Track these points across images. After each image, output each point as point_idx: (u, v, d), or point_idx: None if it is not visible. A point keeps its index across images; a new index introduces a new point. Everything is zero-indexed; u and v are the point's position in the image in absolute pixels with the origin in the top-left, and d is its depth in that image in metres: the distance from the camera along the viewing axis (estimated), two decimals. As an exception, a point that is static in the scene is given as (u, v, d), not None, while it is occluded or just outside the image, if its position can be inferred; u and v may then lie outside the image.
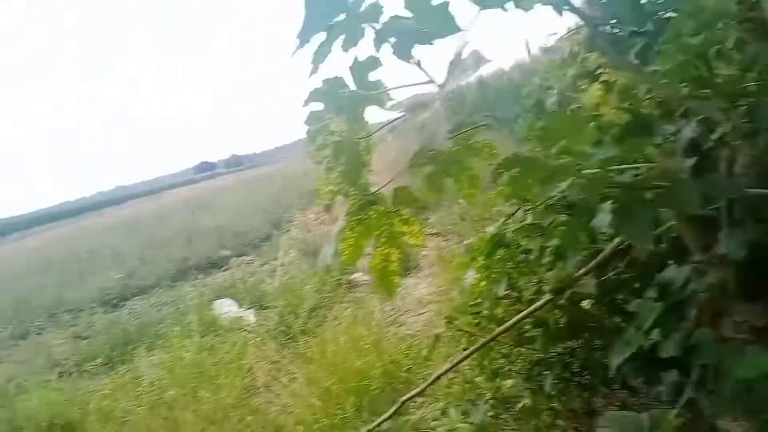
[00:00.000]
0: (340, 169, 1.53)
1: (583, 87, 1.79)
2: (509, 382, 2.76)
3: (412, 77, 1.15)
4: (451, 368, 2.23)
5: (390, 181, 1.58)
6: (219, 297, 8.16)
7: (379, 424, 2.30)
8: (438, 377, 2.18)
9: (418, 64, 1.15)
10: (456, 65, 1.05)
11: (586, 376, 2.32)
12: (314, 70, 1.26)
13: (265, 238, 13.12)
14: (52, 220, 56.31)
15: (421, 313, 6.58)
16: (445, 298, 6.68)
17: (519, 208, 2.32)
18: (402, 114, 1.23)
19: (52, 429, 4.51)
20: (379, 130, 1.61)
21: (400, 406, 2.12)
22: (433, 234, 10.04)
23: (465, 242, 7.84)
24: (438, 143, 1.00)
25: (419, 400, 3.87)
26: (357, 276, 8.51)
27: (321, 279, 7.43)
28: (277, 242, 12.89)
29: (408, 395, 2.17)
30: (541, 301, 1.91)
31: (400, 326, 5.95)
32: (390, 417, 2.19)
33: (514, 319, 2.01)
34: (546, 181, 1.13)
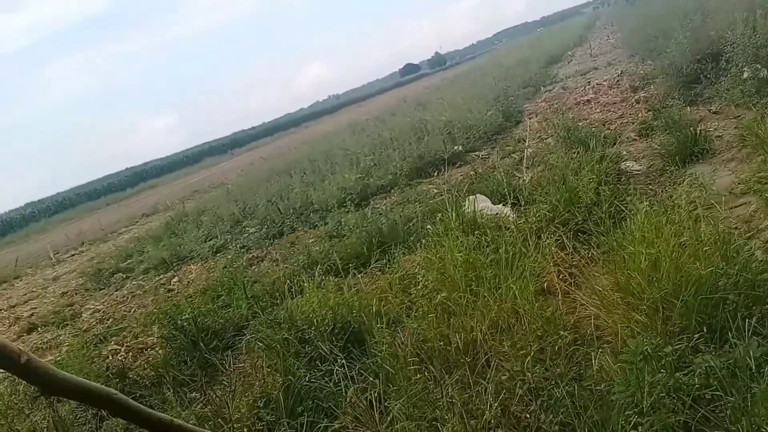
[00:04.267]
0: None
1: None
2: None
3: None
4: None
5: None
6: (466, 193, 7.46)
7: None
8: None
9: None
10: None
11: None
12: None
13: (498, 130, 12.15)
14: (275, 132, 61.32)
15: (734, 207, 5.23)
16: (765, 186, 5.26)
17: None
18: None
19: (335, 333, 4.23)
20: None
21: None
22: (713, 113, 8.29)
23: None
24: None
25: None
26: (629, 165, 7.24)
27: (593, 170, 6.31)
28: (511, 134, 11.89)
29: None
30: None
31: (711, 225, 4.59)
32: None
33: None
34: None
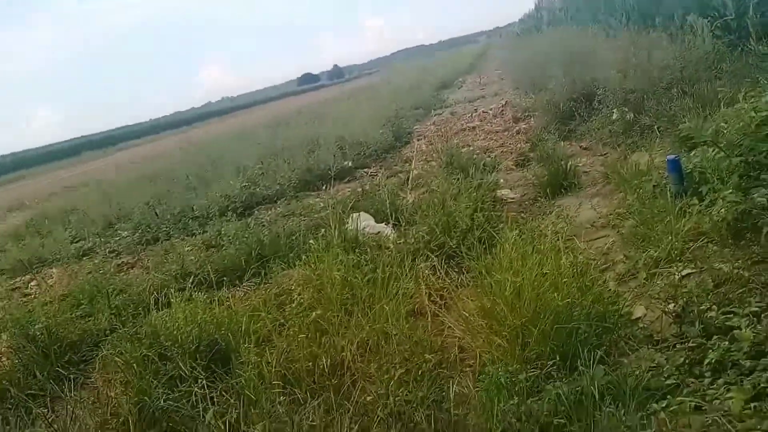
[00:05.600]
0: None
1: None
2: None
3: None
4: None
5: None
6: (351, 210, 7.49)
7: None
8: None
9: None
10: None
11: None
12: None
13: (388, 149, 12.35)
14: (162, 131, 58.48)
15: (594, 239, 5.61)
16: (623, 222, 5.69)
17: None
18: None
19: (199, 351, 4.04)
20: None
21: None
22: (583, 148, 8.91)
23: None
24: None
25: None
26: (504, 193, 7.60)
27: (471, 196, 6.55)
28: (399, 154, 12.13)
29: None
30: None
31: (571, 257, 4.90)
32: None
33: None
34: None
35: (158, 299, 5.41)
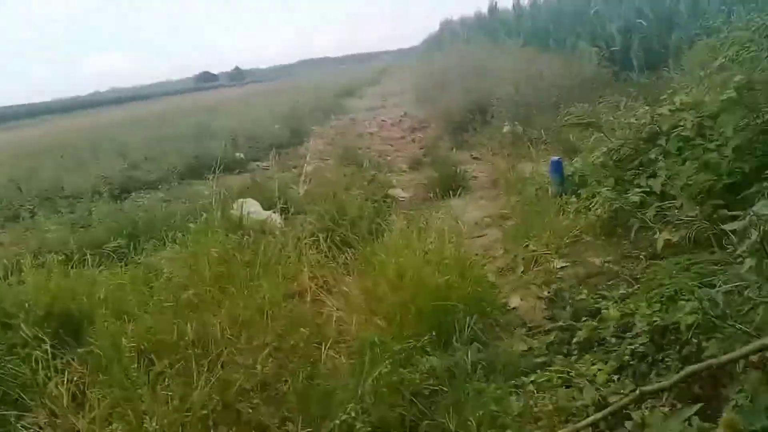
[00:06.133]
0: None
1: None
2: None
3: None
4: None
5: None
6: (240, 197, 7.18)
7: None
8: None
9: None
10: None
11: None
12: None
13: (283, 145, 12.08)
14: (44, 114, 54.14)
15: (479, 236, 5.73)
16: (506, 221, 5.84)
17: None
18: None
19: (49, 319, 3.62)
20: None
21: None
22: (474, 158, 9.16)
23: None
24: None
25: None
26: (396, 192, 7.62)
27: (362, 189, 6.50)
28: (295, 152, 11.91)
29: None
30: None
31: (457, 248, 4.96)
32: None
33: None
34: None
35: (10, 270, 4.85)
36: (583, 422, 1.89)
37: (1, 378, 3.06)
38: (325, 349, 3.30)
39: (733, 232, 2.20)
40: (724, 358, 1.07)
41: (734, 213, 2.94)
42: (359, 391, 2.65)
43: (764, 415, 1.42)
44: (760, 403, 1.44)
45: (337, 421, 2.44)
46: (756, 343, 1.56)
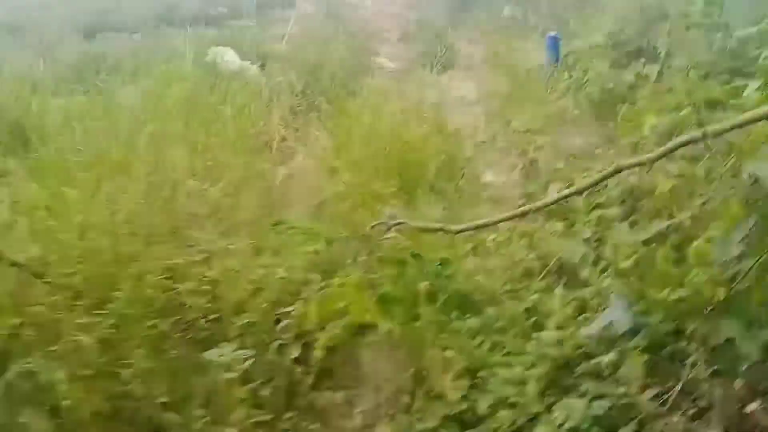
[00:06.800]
0: None
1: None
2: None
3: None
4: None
5: None
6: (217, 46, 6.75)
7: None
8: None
9: None
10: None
11: None
12: None
13: (269, 5, 11.35)
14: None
15: (462, 113, 5.49)
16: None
17: None
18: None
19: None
20: None
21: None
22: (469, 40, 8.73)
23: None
24: None
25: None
26: (382, 61, 7.27)
27: (345, 52, 6.14)
28: (283, 13, 11.22)
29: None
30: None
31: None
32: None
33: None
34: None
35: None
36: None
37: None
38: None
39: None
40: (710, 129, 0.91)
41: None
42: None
43: (738, 247, 1.30)
44: (736, 235, 1.31)
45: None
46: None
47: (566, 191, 1.91)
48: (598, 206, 2.69)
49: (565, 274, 2.36)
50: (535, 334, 1.91)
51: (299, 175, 3.44)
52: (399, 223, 2.29)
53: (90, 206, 2.37)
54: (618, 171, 1.45)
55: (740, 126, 1.25)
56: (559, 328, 1.91)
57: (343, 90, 5.22)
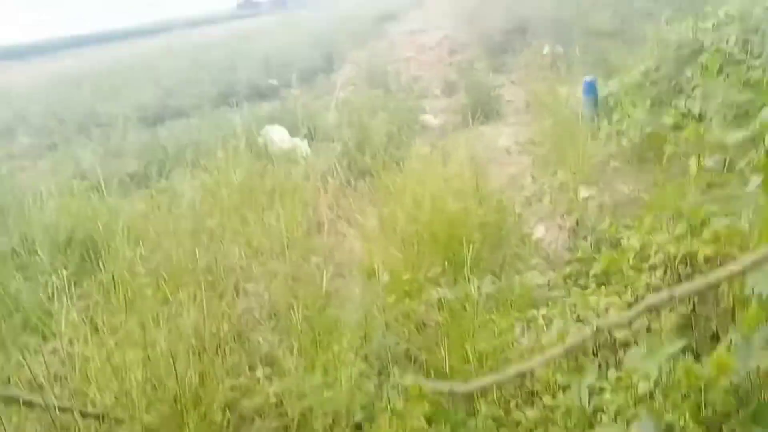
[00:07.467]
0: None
1: None
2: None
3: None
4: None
5: None
6: (269, 125, 7.12)
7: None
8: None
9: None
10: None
11: None
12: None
13: (317, 71, 11.83)
14: (85, 44, 54.15)
15: (508, 164, 5.54)
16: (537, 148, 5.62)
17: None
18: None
19: (70, 244, 3.69)
20: None
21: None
22: (512, 82, 8.79)
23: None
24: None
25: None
26: (426, 118, 7.41)
27: (389, 117, 6.32)
28: (329, 78, 11.66)
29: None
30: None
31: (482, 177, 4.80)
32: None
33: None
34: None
35: (40, 197, 4.97)
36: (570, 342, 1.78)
37: (24, 304, 3.16)
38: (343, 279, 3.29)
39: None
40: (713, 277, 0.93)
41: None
42: (365, 322, 2.62)
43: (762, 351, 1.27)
44: (760, 337, 1.29)
45: (336, 350, 2.41)
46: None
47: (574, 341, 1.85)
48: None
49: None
50: None
51: (348, 263, 3.56)
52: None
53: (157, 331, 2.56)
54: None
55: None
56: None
57: (389, 157, 5.38)
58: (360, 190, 4.79)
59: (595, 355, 2.31)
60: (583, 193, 4.15)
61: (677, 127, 3.98)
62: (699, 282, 1.00)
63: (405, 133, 6.14)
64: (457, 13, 19.58)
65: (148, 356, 2.39)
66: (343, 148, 5.61)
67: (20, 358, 2.62)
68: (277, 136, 6.44)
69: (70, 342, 2.89)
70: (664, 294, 0.96)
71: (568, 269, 3.24)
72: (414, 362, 2.60)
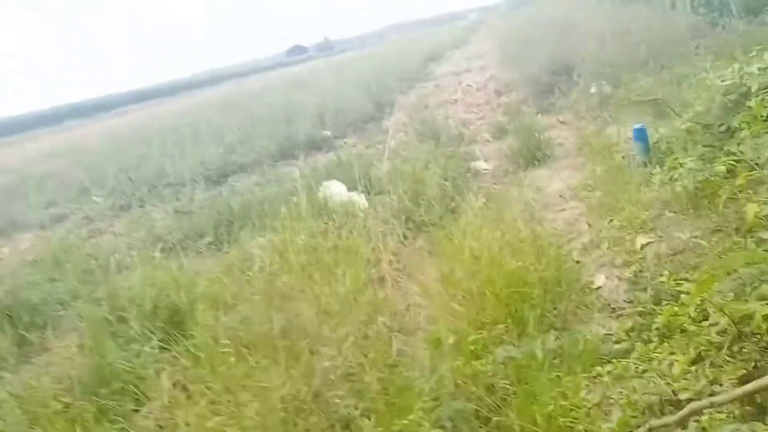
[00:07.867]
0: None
1: None
2: None
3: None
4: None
5: None
6: (326, 178, 7.45)
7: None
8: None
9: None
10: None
11: None
12: None
13: (368, 119, 12.24)
14: (144, 100, 56.92)
15: (562, 209, 5.62)
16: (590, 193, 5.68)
17: None
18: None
19: (156, 313, 4.01)
20: None
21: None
22: (561, 122, 8.89)
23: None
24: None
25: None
26: (478, 164, 7.58)
27: (442, 166, 6.54)
28: (379, 126, 12.03)
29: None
30: None
31: (538, 224, 4.91)
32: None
33: None
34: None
35: (122, 263, 5.37)
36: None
37: (119, 372, 3.46)
38: (408, 338, 3.45)
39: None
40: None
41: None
42: (433, 385, 2.77)
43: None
44: None
45: (411, 417, 2.57)
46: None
47: None
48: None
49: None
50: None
51: (413, 321, 3.73)
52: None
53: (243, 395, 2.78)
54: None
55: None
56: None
57: (444, 208, 5.58)
58: (418, 244, 4.97)
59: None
60: (641, 240, 4.22)
61: (731, 172, 4.03)
62: (738, 391, 1.13)
63: (458, 181, 6.31)
64: (500, 52, 19.86)
65: (239, 421, 2.60)
66: (399, 202, 5.82)
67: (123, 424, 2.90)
68: (336, 190, 6.73)
69: (165, 407, 3.16)
70: (705, 402, 1.10)
71: (629, 323, 3.30)
72: (485, 423, 2.72)
